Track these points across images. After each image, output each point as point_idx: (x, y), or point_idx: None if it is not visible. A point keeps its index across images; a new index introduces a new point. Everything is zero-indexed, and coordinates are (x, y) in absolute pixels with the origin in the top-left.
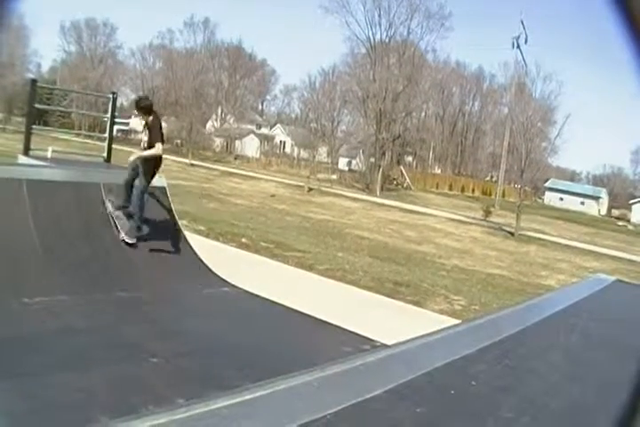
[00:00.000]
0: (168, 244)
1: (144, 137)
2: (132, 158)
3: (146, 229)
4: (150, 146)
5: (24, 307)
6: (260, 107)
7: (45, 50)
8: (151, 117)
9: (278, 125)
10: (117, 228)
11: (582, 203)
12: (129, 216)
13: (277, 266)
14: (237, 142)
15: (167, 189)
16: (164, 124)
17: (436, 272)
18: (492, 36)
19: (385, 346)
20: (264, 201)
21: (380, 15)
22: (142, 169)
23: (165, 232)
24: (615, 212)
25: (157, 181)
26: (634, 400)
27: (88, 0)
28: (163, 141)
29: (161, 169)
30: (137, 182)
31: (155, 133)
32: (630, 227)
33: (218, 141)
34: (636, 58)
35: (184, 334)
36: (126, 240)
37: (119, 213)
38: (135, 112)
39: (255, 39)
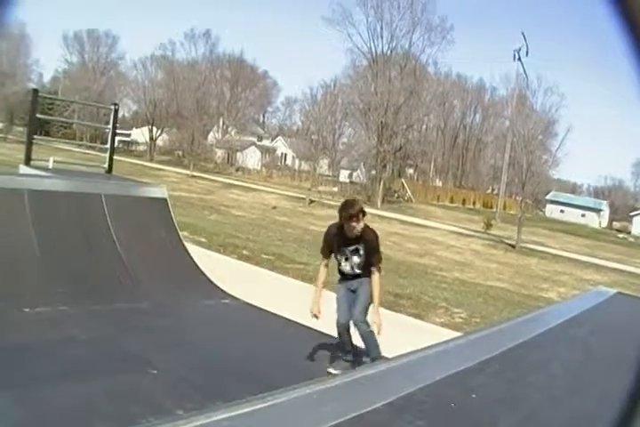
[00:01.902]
0: (169, 255)
1: (355, 259)
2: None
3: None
4: (367, 268)
5: (25, 317)
6: (261, 119)
7: (47, 60)
8: (364, 226)
9: (280, 137)
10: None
11: (583, 215)
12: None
13: (278, 278)
14: (239, 154)
15: (168, 200)
16: (164, 137)
17: (437, 285)
18: (493, 48)
19: (385, 359)
20: (265, 213)
21: (382, 27)
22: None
23: (166, 243)
24: (616, 224)
25: (159, 192)
26: (633, 413)
27: (90, 11)
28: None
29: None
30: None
31: (377, 252)
32: (631, 239)
33: (219, 153)
34: (636, 65)
35: (184, 345)
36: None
37: (346, 366)
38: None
39: (257, 51)
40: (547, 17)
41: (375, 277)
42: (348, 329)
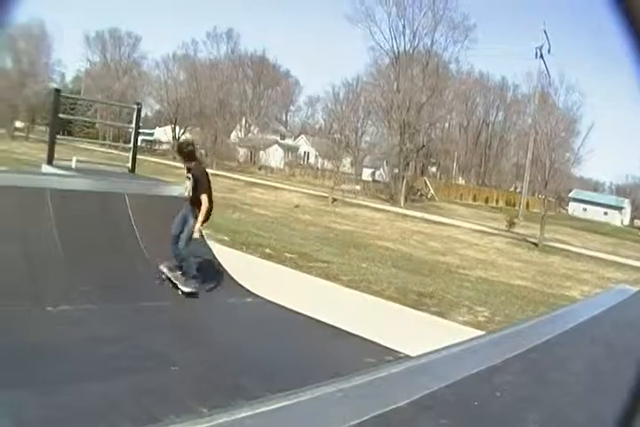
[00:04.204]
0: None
1: (188, 185)
2: (196, 233)
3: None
4: (196, 198)
5: (48, 315)
6: (283, 117)
7: (69, 60)
8: (193, 164)
9: (302, 136)
10: (176, 286)
11: (605, 213)
12: (182, 271)
13: (301, 276)
14: (261, 153)
15: None
16: (187, 135)
17: (460, 283)
18: (515, 45)
19: (408, 357)
20: (288, 211)
21: (404, 26)
22: (190, 219)
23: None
24: (638, 222)
25: (181, 190)
26: None
27: (112, 10)
28: (210, 193)
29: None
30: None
31: (201, 184)
32: None
33: (242, 152)
34: (636, 60)
35: (208, 343)
36: (186, 291)
37: (175, 273)
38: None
39: (279, 50)
40: (569, 14)
41: (202, 200)
42: (176, 241)
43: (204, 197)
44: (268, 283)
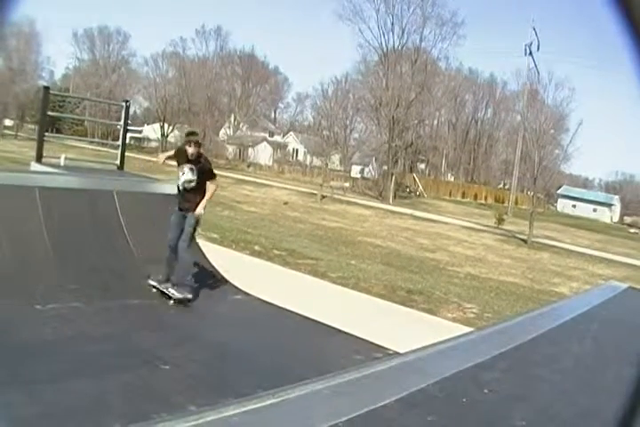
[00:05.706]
0: None
1: (189, 174)
2: (198, 212)
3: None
4: (201, 187)
5: (37, 313)
6: (272, 115)
7: (58, 57)
8: (201, 151)
9: (291, 133)
10: (168, 295)
11: (595, 210)
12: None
13: (290, 274)
14: (250, 150)
15: None
16: (176, 133)
17: (449, 280)
18: (504, 42)
19: (397, 354)
20: (277, 209)
21: (392, 22)
22: (188, 222)
23: None
24: (627, 219)
25: (170, 188)
26: None
27: (101, 8)
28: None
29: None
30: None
31: (208, 172)
32: None
33: (231, 149)
34: (636, 59)
35: (197, 341)
36: (178, 297)
37: (166, 284)
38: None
39: (268, 47)
40: (558, 10)
41: (211, 185)
42: (174, 250)
43: (211, 186)
44: (257, 280)
